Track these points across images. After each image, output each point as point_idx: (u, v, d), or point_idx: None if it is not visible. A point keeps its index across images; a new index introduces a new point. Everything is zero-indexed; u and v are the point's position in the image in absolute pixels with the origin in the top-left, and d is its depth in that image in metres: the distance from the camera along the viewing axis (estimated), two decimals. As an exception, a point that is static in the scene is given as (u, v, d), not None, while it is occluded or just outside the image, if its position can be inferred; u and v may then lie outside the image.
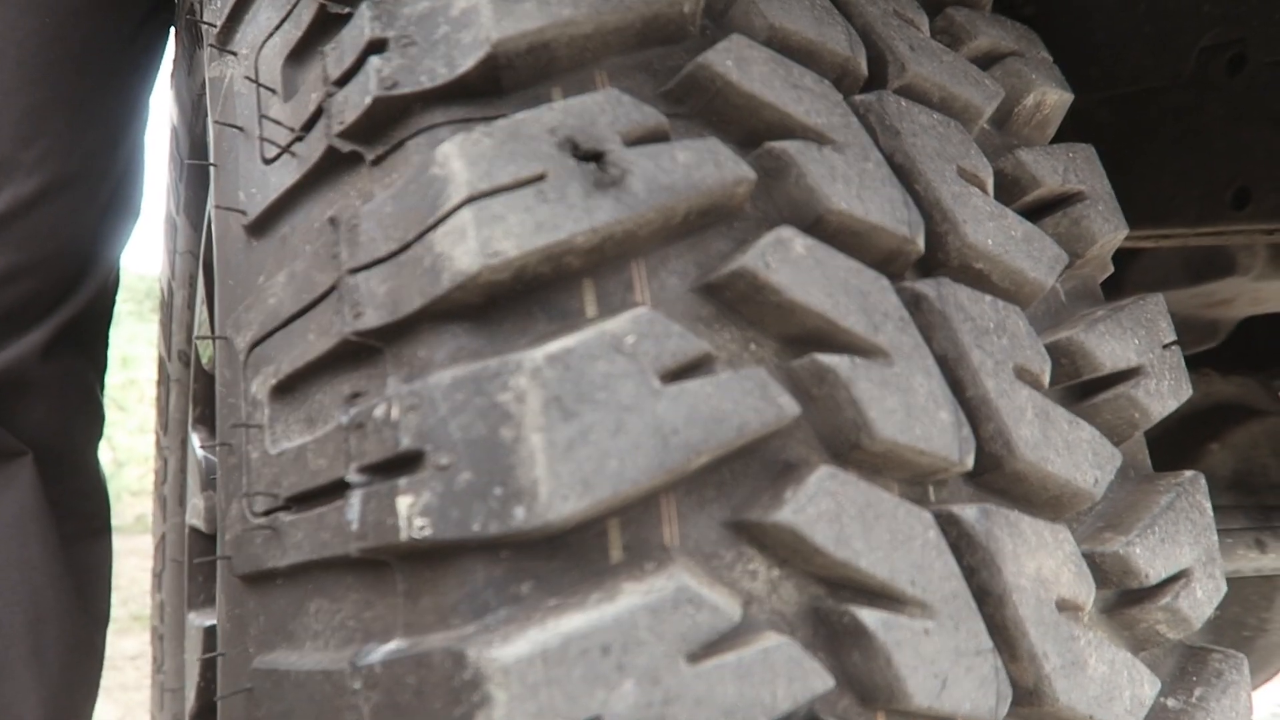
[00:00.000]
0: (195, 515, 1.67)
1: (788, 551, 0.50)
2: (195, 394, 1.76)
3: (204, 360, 1.65)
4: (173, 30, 1.38)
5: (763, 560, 0.50)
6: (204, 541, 1.72)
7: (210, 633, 1.57)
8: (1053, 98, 0.77)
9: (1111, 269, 0.76)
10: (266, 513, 0.58)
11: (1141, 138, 1.14)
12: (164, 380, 1.95)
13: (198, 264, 1.66)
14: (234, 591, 0.62)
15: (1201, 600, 0.61)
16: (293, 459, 0.56)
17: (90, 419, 1.32)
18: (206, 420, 1.74)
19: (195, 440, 1.72)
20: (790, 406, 0.50)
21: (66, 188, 1.14)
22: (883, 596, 0.50)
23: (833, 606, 0.50)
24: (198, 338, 0.57)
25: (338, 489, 0.52)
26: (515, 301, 0.51)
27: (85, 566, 1.27)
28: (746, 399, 0.49)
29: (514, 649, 0.43)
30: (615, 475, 0.45)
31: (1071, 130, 0.85)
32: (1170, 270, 1.55)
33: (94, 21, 1.14)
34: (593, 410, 0.46)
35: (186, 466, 1.81)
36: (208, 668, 1.54)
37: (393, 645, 0.48)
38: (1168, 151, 1.13)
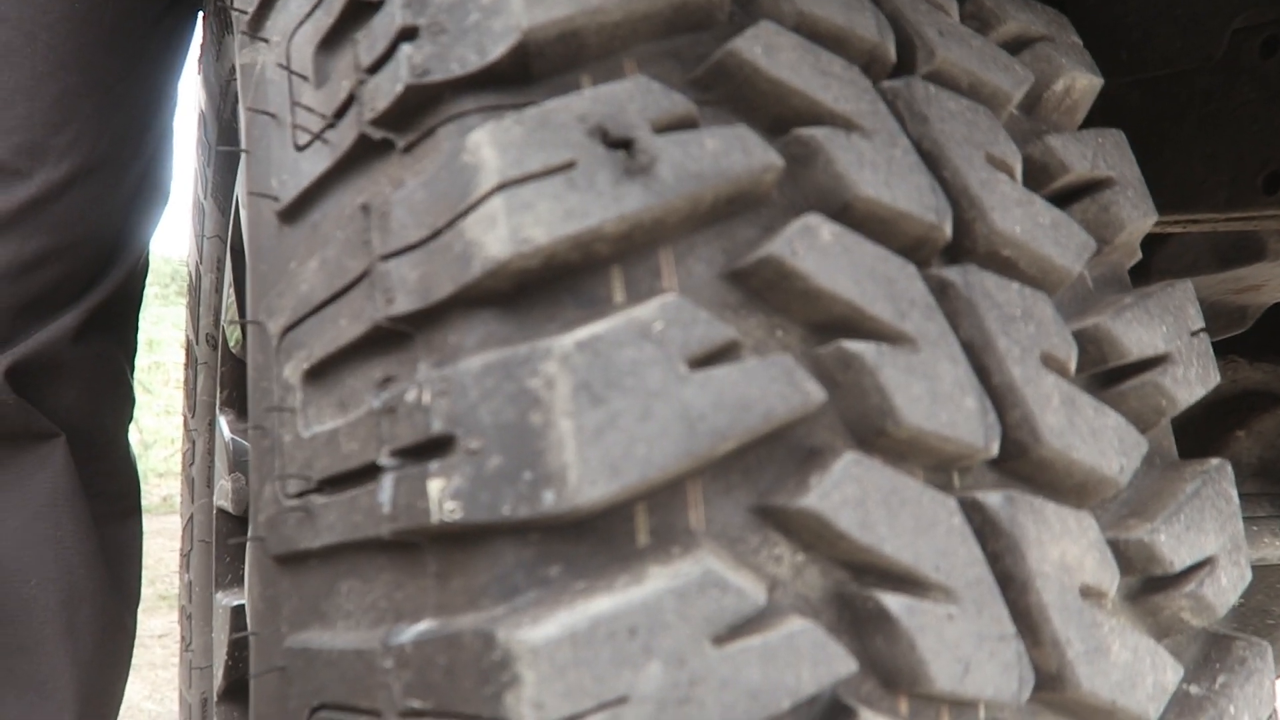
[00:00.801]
0: (223, 496, 1.70)
1: (812, 537, 0.50)
2: (223, 377, 1.78)
3: (231, 344, 1.67)
4: (201, 16, 1.39)
5: (788, 545, 0.51)
6: (231, 522, 1.75)
7: (238, 612, 1.60)
8: (1082, 83, 0.76)
9: (1140, 255, 0.76)
10: (299, 495, 0.59)
11: (1171, 121, 1.13)
12: (192, 363, 1.98)
13: (225, 248, 1.68)
14: (267, 572, 0.64)
15: (1226, 588, 0.61)
16: (325, 442, 0.57)
17: (120, 401, 1.34)
18: (234, 403, 1.76)
19: (223, 423, 1.74)
20: (816, 393, 0.50)
21: (96, 172, 1.15)
22: (906, 582, 0.50)
23: (857, 591, 0.50)
24: (228, 322, 0.58)
25: (369, 472, 0.53)
26: (544, 288, 0.51)
27: (116, 546, 1.29)
28: (773, 385, 0.49)
29: (543, 630, 0.44)
30: (643, 460, 0.46)
31: (1100, 113, 0.85)
32: (1198, 255, 1.53)
33: (122, 5, 1.15)
34: (621, 396, 0.47)
35: (214, 449, 1.84)
36: (235, 646, 1.56)
37: (424, 625, 0.49)
38: (1198, 135, 1.12)
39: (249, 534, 0.67)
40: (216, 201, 1.71)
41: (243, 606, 1.59)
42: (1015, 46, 0.76)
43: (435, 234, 0.52)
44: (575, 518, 0.46)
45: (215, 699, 1.62)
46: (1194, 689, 0.61)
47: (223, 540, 1.77)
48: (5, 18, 1.08)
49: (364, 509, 0.52)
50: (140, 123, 1.22)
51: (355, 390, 0.57)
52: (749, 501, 0.51)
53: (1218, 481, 0.64)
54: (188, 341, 1.99)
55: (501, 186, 0.50)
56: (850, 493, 0.49)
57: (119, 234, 1.23)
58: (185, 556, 2.01)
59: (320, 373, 0.59)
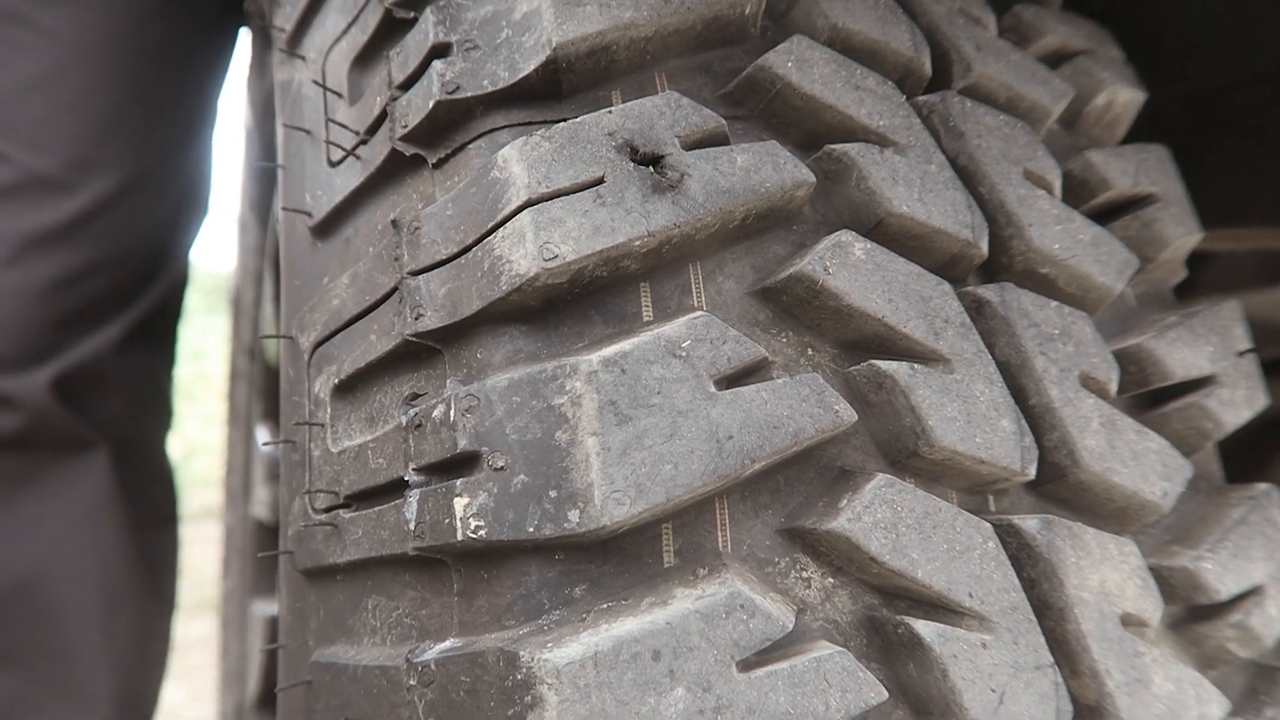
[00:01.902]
0: (260, 506, 1.72)
1: (843, 560, 0.49)
2: (261, 389, 1.80)
3: (269, 356, 1.69)
4: (246, 33, 1.41)
5: (817, 568, 0.50)
6: (267, 532, 1.77)
7: (273, 622, 1.61)
8: (1124, 97, 0.75)
9: (1185, 273, 0.74)
10: (327, 509, 0.59)
11: (1215, 135, 1.10)
12: (233, 374, 2.01)
13: (263, 261, 1.70)
14: (295, 585, 0.64)
15: (1274, 617, 0.59)
16: (353, 457, 0.57)
17: (161, 411, 1.36)
18: (272, 414, 1.78)
19: (260, 433, 1.76)
20: (847, 413, 0.49)
21: (141, 186, 1.17)
22: (939, 608, 0.49)
23: (888, 617, 0.49)
24: (263, 337, 0.58)
25: (396, 488, 0.53)
26: (572, 304, 0.51)
27: (155, 553, 1.31)
28: (803, 405, 0.48)
29: (566, 651, 0.43)
30: (669, 480, 0.45)
31: (1142, 127, 0.83)
32: (1244, 272, 1.49)
33: (169, 21, 1.17)
34: (648, 415, 0.46)
35: (252, 458, 1.86)
36: (270, 656, 1.58)
37: (448, 644, 0.49)
38: (1242, 149, 1.09)
39: (279, 546, 0.67)
40: (257, 215, 1.74)
41: (277, 617, 1.61)
42: (1055, 60, 0.74)
43: (464, 250, 0.52)
44: (600, 537, 0.46)
45: (249, 707, 1.64)
46: (1241, 723, 0.59)
47: (258, 549, 1.78)
48: (57, 35, 1.10)
49: (390, 525, 0.52)
50: (184, 137, 1.24)
51: (384, 406, 0.57)
52: (777, 523, 0.50)
53: (1266, 508, 0.62)
54: (231, 352, 2.02)
55: (530, 203, 0.50)
56: (882, 515, 0.48)
57: (162, 246, 1.25)
58: (224, 564, 2.03)
59: (350, 388, 0.60)
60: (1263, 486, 0.64)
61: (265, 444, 0.64)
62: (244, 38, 1.40)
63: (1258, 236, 1.24)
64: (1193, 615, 0.59)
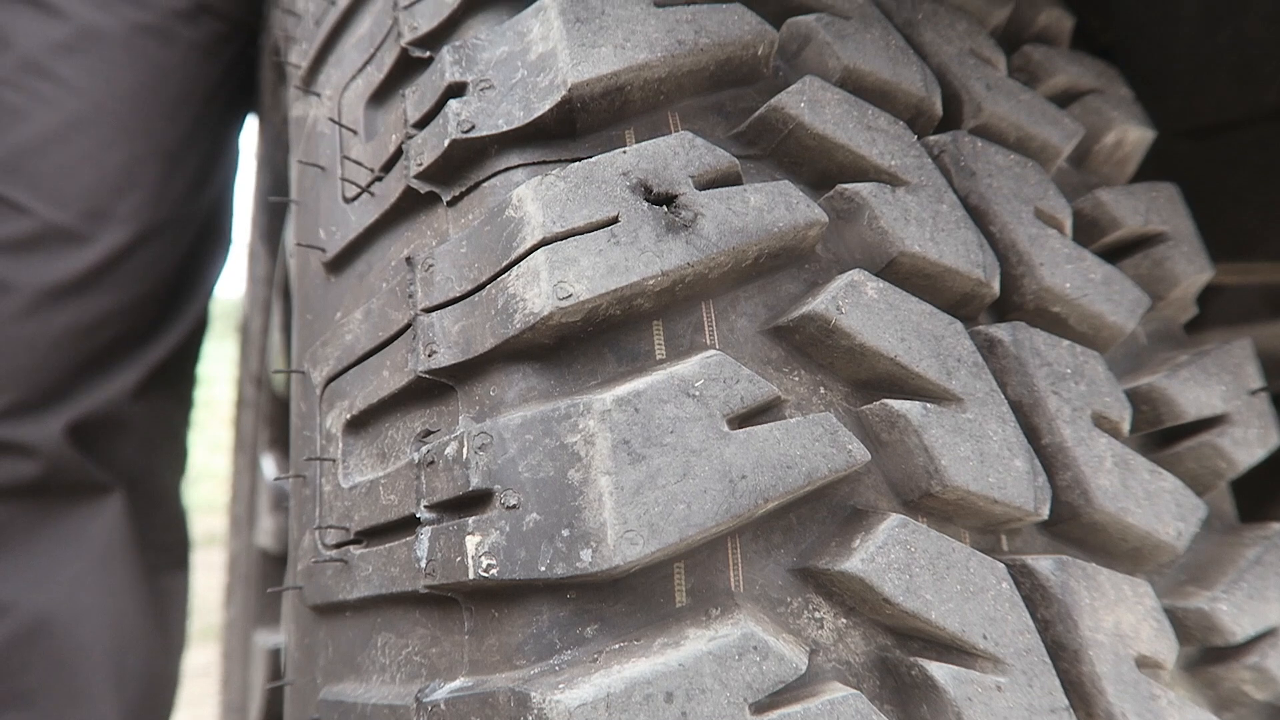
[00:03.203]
0: (265, 535, 1.71)
1: (856, 600, 0.49)
2: (267, 418, 1.80)
3: (276, 384, 1.69)
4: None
5: (830, 608, 0.49)
6: (272, 561, 1.76)
7: (275, 654, 1.60)
8: (1133, 135, 0.75)
9: (1195, 310, 0.74)
10: (338, 545, 0.59)
11: (1223, 171, 1.10)
12: (240, 402, 2.01)
13: (272, 290, 1.71)
14: (304, 621, 0.63)
15: (1292, 661, 0.59)
16: (364, 493, 0.57)
17: (176, 455, 1.36)
18: (278, 442, 1.78)
19: (266, 462, 1.76)
20: (860, 453, 0.49)
21: (158, 235, 1.18)
22: (953, 649, 0.49)
23: (901, 658, 0.49)
24: (275, 371, 0.58)
25: (407, 525, 0.53)
26: (585, 343, 0.51)
27: (166, 596, 1.31)
28: (816, 445, 0.48)
29: (578, 693, 0.43)
30: (682, 520, 0.45)
31: (1150, 163, 0.83)
32: (1252, 305, 1.49)
33: (188, 72, 1.19)
34: (661, 454, 0.46)
35: (257, 487, 1.86)
36: (272, 689, 1.56)
37: (458, 683, 0.48)
38: (1251, 185, 1.09)
39: (286, 581, 0.67)
40: (267, 245, 1.75)
41: (280, 649, 1.60)
42: (1065, 99, 0.75)
43: (478, 288, 0.53)
44: (613, 577, 0.46)
45: (251, 740, 1.62)
46: (1258, 767, 0.58)
47: (262, 578, 1.78)
48: (76, 88, 1.12)
49: (401, 562, 0.52)
50: (199, 182, 1.25)
51: (396, 442, 0.57)
52: (789, 562, 0.50)
53: (1281, 548, 0.62)
54: (238, 380, 2.02)
55: (545, 242, 0.50)
56: (896, 556, 0.48)
57: (179, 290, 1.26)
58: (228, 594, 2.02)
59: (362, 423, 0.60)
60: (1277, 526, 0.63)
61: (276, 478, 0.64)
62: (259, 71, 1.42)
63: (1266, 271, 1.24)
64: (1208, 657, 0.59)
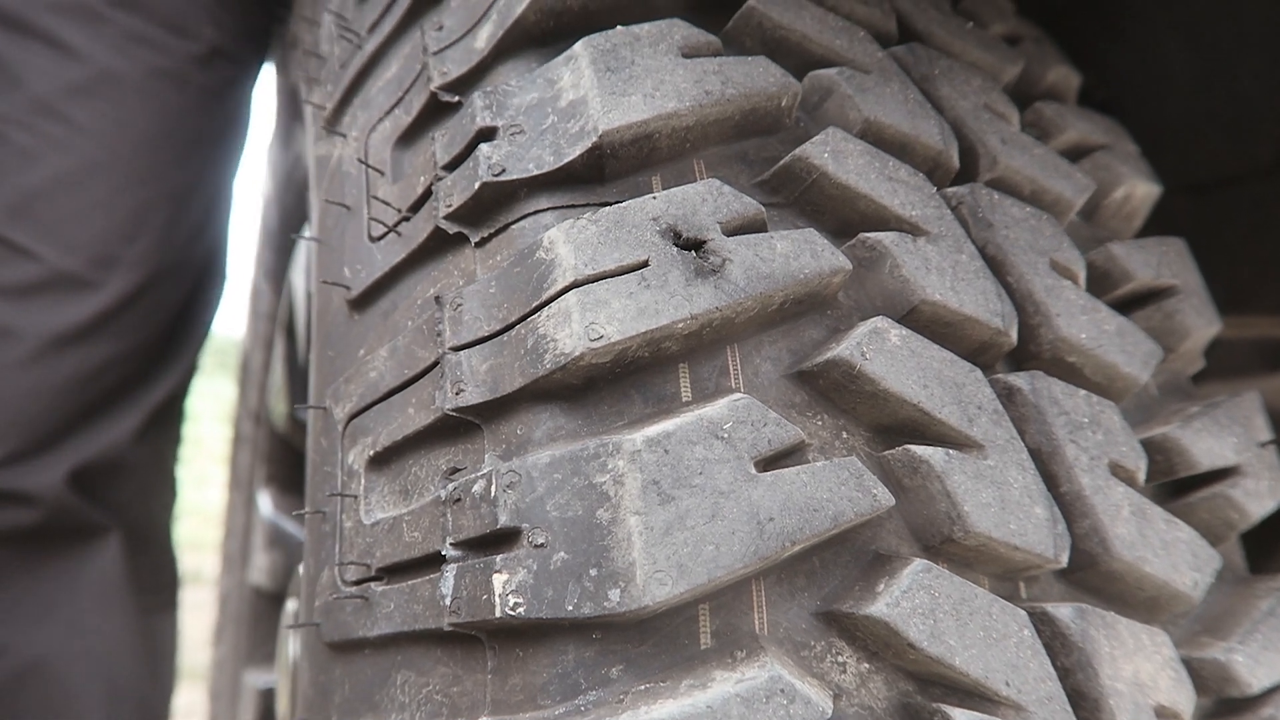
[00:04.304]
0: (259, 573, 1.70)
1: (879, 645, 0.49)
2: (265, 454, 1.80)
3: (275, 421, 1.69)
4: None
5: (853, 652, 0.50)
6: (265, 599, 1.74)
7: (266, 694, 1.58)
8: (1141, 190, 0.77)
9: (1203, 363, 0.75)
10: (358, 582, 0.59)
11: (1219, 226, 1.12)
12: (236, 438, 2.00)
13: (274, 327, 1.71)
14: (319, 658, 0.63)
15: (1307, 714, 0.59)
16: (387, 530, 0.57)
17: (169, 495, 1.36)
18: (275, 479, 1.77)
19: (263, 499, 1.75)
20: (885, 497, 0.50)
21: (162, 280, 1.18)
22: (975, 696, 0.49)
23: (923, 704, 0.49)
24: (296, 407, 0.58)
25: (431, 562, 0.53)
26: (613, 384, 0.52)
27: (157, 638, 1.29)
28: (842, 489, 0.49)
29: (607, 734, 0.43)
30: (711, 561, 0.46)
31: (1147, 221, 0.85)
32: (1247, 358, 1.51)
33: (196, 121, 1.19)
34: (690, 495, 0.46)
35: (252, 524, 1.85)
36: (263, 728, 1.54)
37: (481, 722, 0.48)
38: (1246, 240, 1.11)
39: (301, 619, 0.67)
40: (271, 282, 1.76)
41: (272, 689, 1.58)
42: (1075, 154, 0.77)
43: (507, 327, 0.53)
44: (641, 617, 0.46)
45: (239, 783, 1.59)
46: (1275, 821, 0.58)
47: (255, 616, 1.76)
48: (90, 132, 1.11)
49: (424, 599, 0.52)
50: (203, 225, 1.25)
51: (419, 479, 0.58)
52: (813, 606, 0.50)
53: (1293, 600, 0.62)
54: (235, 416, 2.01)
55: (576, 284, 0.51)
56: (921, 601, 0.48)
57: (178, 332, 1.25)
58: (218, 632, 2.00)
59: (385, 460, 0.60)
60: (1288, 578, 0.64)
61: (293, 514, 0.64)
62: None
63: (1262, 325, 1.25)
64: (1223, 709, 0.59)
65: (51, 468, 1.10)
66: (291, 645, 1.17)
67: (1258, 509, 0.64)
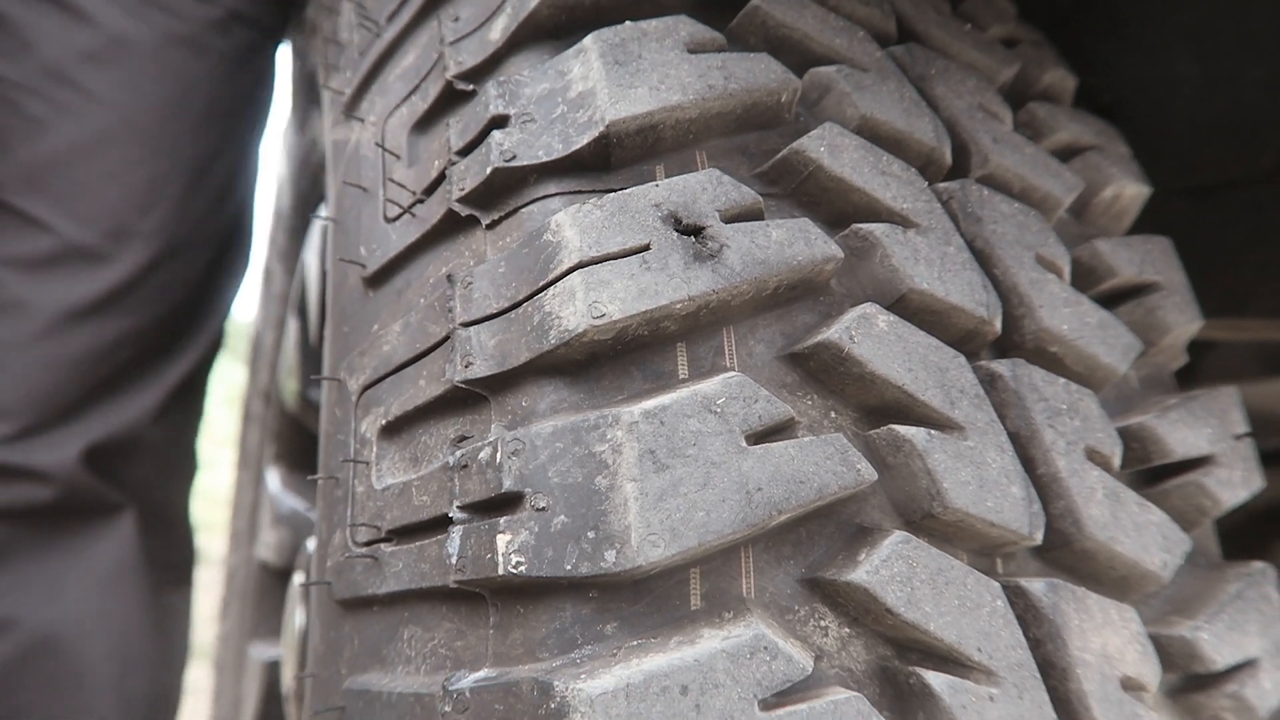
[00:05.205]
0: (265, 549, 1.73)
1: (859, 610, 0.52)
2: (274, 432, 1.83)
3: (286, 400, 1.72)
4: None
5: (834, 618, 0.53)
6: (271, 575, 1.78)
7: (271, 667, 1.61)
8: (1130, 191, 0.79)
9: (1186, 358, 0.78)
10: (368, 543, 0.62)
11: (1217, 230, 1.14)
12: (246, 417, 2.04)
13: (286, 308, 1.75)
14: (330, 616, 0.66)
15: (1269, 690, 0.62)
16: (397, 494, 0.60)
17: (189, 473, 1.35)
18: (284, 457, 1.81)
19: (271, 476, 1.79)
20: (868, 472, 0.53)
21: (178, 253, 1.16)
22: (949, 661, 0.52)
23: (900, 667, 0.52)
24: (314, 379, 0.61)
25: (439, 524, 0.56)
26: (614, 360, 0.55)
27: (171, 615, 1.28)
28: (827, 463, 0.52)
29: (600, 682, 0.46)
30: (701, 526, 0.49)
31: (1147, 220, 0.88)
32: (1244, 362, 1.53)
33: (217, 84, 1.17)
34: (683, 464, 0.49)
35: (260, 501, 1.88)
36: (265, 700, 1.58)
37: (482, 674, 0.51)
38: (1245, 244, 1.13)
39: (313, 579, 0.70)
40: (284, 264, 1.79)
41: (276, 661, 1.61)
42: (1066, 154, 0.79)
43: (514, 305, 0.56)
44: (635, 577, 0.49)
45: (243, 752, 1.63)
46: (1235, 793, 0.61)
47: (261, 592, 1.79)
48: (105, 100, 1.09)
49: (431, 558, 0.55)
50: (223, 198, 1.23)
51: (429, 447, 0.61)
52: (798, 573, 0.53)
53: (1261, 585, 0.65)
54: (245, 396, 2.05)
55: (581, 265, 0.54)
56: (899, 569, 0.51)
57: (197, 308, 1.24)
58: (223, 608, 2.03)
59: (396, 429, 0.63)
60: (1259, 565, 0.67)
61: (309, 479, 0.67)
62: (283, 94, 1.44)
63: (1258, 328, 1.28)
64: (1190, 685, 0.62)
65: (65, 445, 1.10)
66: (298, 617, 1.21)
67: (1230, 497, 0.67)
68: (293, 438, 1.77)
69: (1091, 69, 0.97)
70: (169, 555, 1.28)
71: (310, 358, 1.55)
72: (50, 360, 1.09)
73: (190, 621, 1.36)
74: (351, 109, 0.82)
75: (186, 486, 1.35)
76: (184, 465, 1.33)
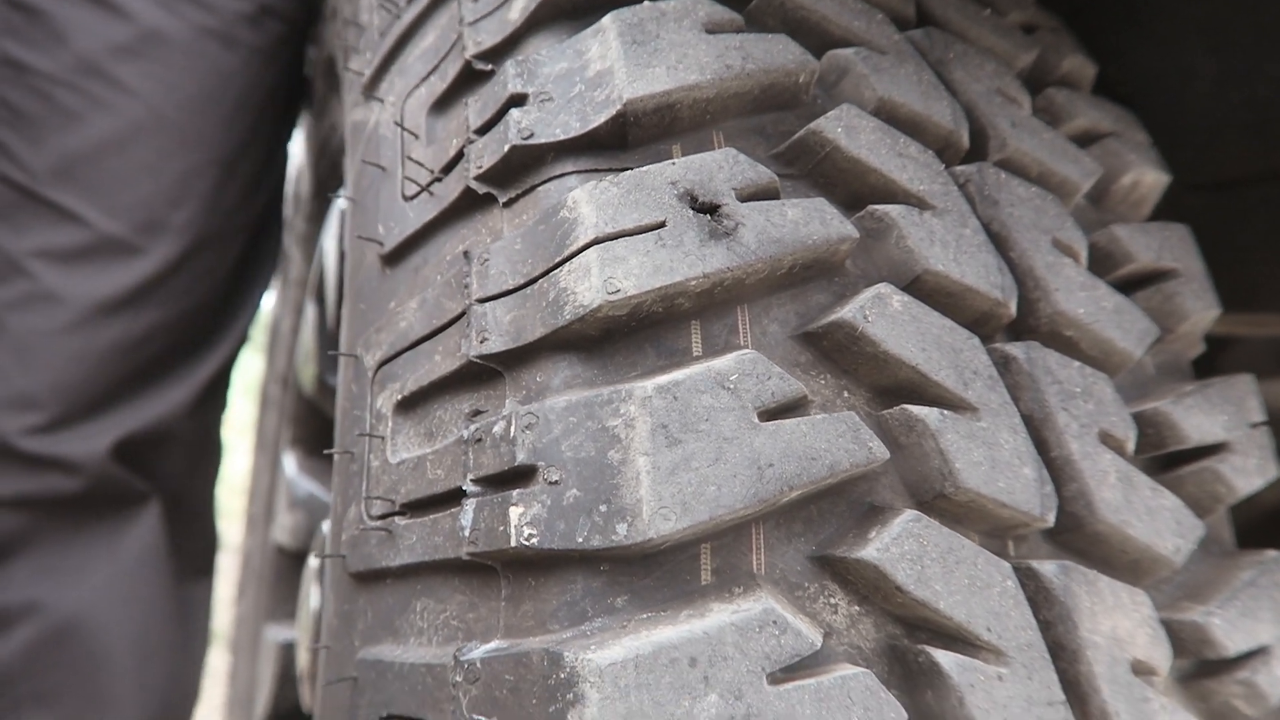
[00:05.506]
0: (282, 532, 1.75)
1: (869, 588, 0.52)
2: (292, 416, 1.85)
3: (304, 385, 1.74)
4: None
5: (844, 595, 0.53)
6: (288, 558, 1.79)
7: (286, 648, 1.63)
8: (1149, 178, 0.79)
9: (1203, 347, 0.77)
10: (383, 517, 0.63)
11: (1235, 224, 1.13)
12: (264, 401, 2.06)
13: (304, 293, 1.76)
14: (344, 589, 0.67)
15: (1281, 679, 0.61)
16: (412, 468, 0.61)
17: (214, 464, 1.36)
18: (301, 441, 1.82)
19: (288, 460, 1.80)
20: (880, 450, 0.53)
21: (209, 246, 1.17)
22: (958, 640, 0.52)
23: (909, 646, 0.52)
24: (332, 354, 0.61)
25: (453, 498, 0.57)
26: (628, 337, 0.55)
27: (192, 604, 1.29)
28: (839, 440, 0.52)
29: (609, 653, 0.46)
30: (713, 501, 0.49)
31: (1164, 214, 0.87)
32: (1262, 360, 1.52)
33: (248, 78, 1.18)
34: (696, 439, 0.50)
35: (276, 485, 1.90)
36: (280, 681, 1.59)
37: (493, 645, 0.52)
38: (1262, 240, 1.12)
39: (327, 552, 0.70)
40: (302, 250, 1.80)
41: (291, 643, 1.63)
42: (1085, 141, 0.79)
43: (530, 281, 0.57)
44: (646, 550, 0.49)
45: (257, 732, 1.65)
46: (1245, 780, 0.61)
47: (277, 574, 1.81)
48: (136, 93, 1.10)
49: (445, 531, 0.56)
50: (252, 190, 1.24)
51: (444, 422, 0.61)
52: (809, 550, 0.53)
53: (1275, 573, 0.65)
54: (263, 381, 2.06)
55: (597, 241, 0.54)
56: (909, 548, 0.51)
57: (226, 303, 1.24)
58: (240, 591, 2.05)
59: (412, 404, 0.64)
60: (1273, 553, 0.66)
61: (325, 452, 0.68)
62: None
63: (1276, 324, 1.26)
64: (1201, 671, 0.62)
65: (96, 436, 1.11)
66: (313, 598, 1.22)
67: (1245, 485, 0.67)
68: (310, 422, 1.78)
69: (1108, 59, 0.96)
70: (192, 545, 1.29)
71: (328, 343, 1.56)
72: (81, 352, 1.10)
73: (210, 612, 1.37)
74: (371, 90, 0.83)
75: (212, 478, 1.36)
76: (210, 457, 1.34)
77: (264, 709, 1.63)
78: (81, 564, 1.15)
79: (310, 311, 1.67)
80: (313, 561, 1.30)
